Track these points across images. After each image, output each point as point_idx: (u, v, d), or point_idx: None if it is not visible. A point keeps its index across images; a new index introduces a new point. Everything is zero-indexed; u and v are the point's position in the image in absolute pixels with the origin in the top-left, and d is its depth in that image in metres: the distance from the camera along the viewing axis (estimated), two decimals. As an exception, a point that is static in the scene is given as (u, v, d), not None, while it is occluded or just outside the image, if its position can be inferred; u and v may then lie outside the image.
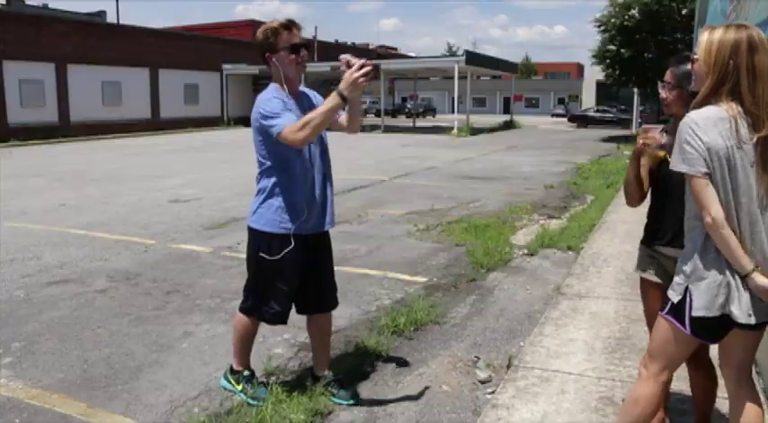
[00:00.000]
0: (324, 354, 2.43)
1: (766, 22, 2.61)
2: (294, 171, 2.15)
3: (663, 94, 1.80)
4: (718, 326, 1.48)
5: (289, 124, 2.02)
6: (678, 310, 1.52)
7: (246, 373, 2.39)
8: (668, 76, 1.78)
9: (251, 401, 2.31)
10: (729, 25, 1.47)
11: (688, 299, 1.48)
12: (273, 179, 2.17)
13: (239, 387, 2.38)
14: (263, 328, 3.15)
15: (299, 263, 2.20)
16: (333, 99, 1.98)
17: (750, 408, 1.55)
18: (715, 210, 1.40)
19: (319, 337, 2.41)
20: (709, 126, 1.40)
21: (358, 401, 2.35)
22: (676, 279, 1.54)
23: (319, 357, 2.42)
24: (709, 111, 1.43)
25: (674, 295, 1.53)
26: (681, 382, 2.34)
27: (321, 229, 2.26)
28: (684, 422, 2.08)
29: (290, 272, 2.19)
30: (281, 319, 2.28)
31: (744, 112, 1.41)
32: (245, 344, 2.38)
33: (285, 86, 2.19)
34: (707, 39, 1.45)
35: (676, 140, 1.46)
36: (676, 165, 1.46)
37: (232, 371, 2.42)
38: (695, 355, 1.70)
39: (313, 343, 2.45)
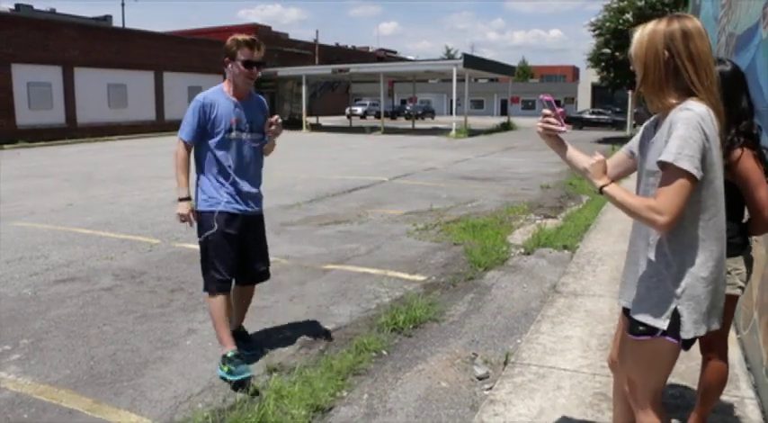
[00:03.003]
0: (241, 315, 2.89)
1: (757, 26, 2.67)
2: (218, 160, 2.56)
3: None
4: None
5: (185, 140, 2.56)
6: (669, 331, 1.38)
7: (230, 354, 2.56)
8: None
9: (231, 377, 2.48)
10: (662, 18, 1.38)
11: (678, 320, 1.36)
12: (203, 166, 2.61)
13: (225, 369, 2.53)
14: (266, 326, 3.23)
15: (227, 237, 2.58)
16: (181, 193, 2.58)
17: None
18: (678, 220, 1.29)
19: (243, 303, 2.86)
20: (710, 122, 1.30)
21: (261, 351, 2.79)
22: (654, 300, 1.38)
23: (241, 314, 2.88)
24: (705, 106, 1.31)
25: (658, 321, 1.37)
26: (675, 377, 2.39)
27: (248, 213, 2.64)
28: (679, 417, 2.11)
29: (219, 244, 2.57)
30: (225, 287, 2.63)
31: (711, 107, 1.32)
32: (221, 323, 2.62)
33: (231, 89, 2.59)
34: (639, 33, 1.38)
35: (678, 131, 1.29)
36: (672, 159, 1.27)
37: (222, 358, 2.59)
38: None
39: (236, 305, 2.83)
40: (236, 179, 2.58)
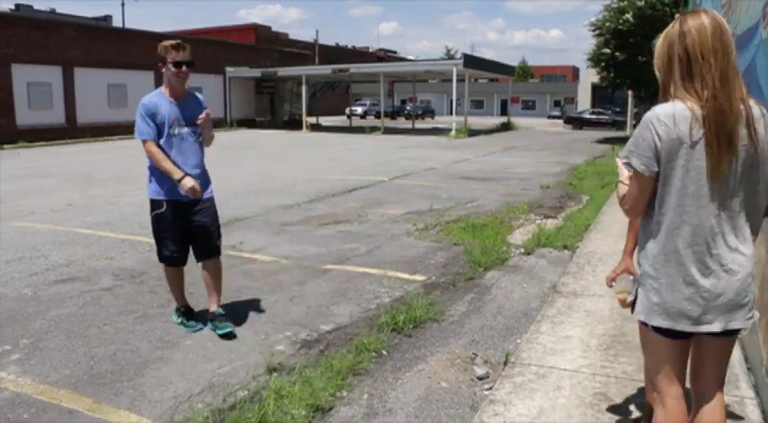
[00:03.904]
0: (213, 294, 3.11)
1: (757, 26, 2.67)
2: (164, 154, 2.91)
3: None
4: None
5: (146, 137, 2.92)
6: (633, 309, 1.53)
7: (182, 308, 3.18)
8: None
9: (185, 328, 3.09)
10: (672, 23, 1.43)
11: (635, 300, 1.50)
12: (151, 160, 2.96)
13: (179, 320, 3.16)
14: (265, 325, 3.23)
15: (174, 220, 2.99)
16: (178, 175, 2.88)
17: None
18: (640, 208, 1.43)
19: (209, 280, 3.11)
20: (672, 123, 1.34)
21: (233, 333, 2.99)
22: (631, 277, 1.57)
23: (211, 297, 3.12)
24: (674, 106, 1.36)
25: (630, 296, 1.55)
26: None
27: (192, 199, 2.96)
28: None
29: (167, 225, 2.99)
30: (174, 261, 3.08)
31: (697, 106, 1.34)
32: (174, 285, 3.18)
33: (168, 90, 2.97)
34: (657, 43, 1.45)
35: (635, 130, 1.42)
36: (625, 155, 1.42)
37: (176, 308, 3.22)
38: None
39: (205, 285, 3.15)
40: (181, 168, 2.94)
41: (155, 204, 3.01)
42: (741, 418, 2.12)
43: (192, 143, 3.00)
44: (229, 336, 2.96)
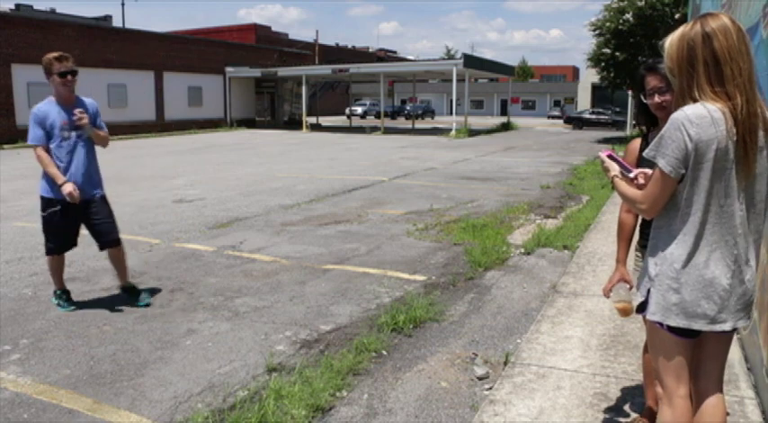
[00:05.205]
0: (121, 272, 3.59)
1: (757, 25, 2.67)
2: (56, 156, 3.24)
3: (657, 99, 1.71)
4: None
5: (36, 142, 3.23)
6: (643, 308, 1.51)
7: (59, 292, 3.48)
8: (657, 80, 1.71)
9: (61, 309, 3.40)
10: (687, 23, 1.39)
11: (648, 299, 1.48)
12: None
13: (56, 301, 3.47)
14: (265, 325, 3.23)
15: (65, 218, 3.30)
16: (60, 180, 3.21)
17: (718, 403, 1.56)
18: (659, 208, 1.40)
19: (115, 263, 3.57)
20: (704, 125, 1.31)
21: (149, 304, 3.48)
22: (642, 278, 1.51)
23: (119, 274, 3.59)
24: (705, 108, 1.32)
25: (640, 297, 1.50)
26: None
27: (85, 197, 3.33)
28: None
29: (55, 222, 3.31)
30: (52, 252, 3.41)
31: (726, 107, 1.32)
32: (55, 272, 3.47)
33: (57, 98, 3.27)
34: (668, 43, 1.39)
35: (662, 131, 1.37)
36: (652, 155, 1.38)
37: (55, 291, 3.50)
38: None
39: (113, 266, 3.60)
40: (71, 170, 3.26)
41: (49, 203, 3.29)
42: (741, 418, 2.11)
43: (82, 145, 3.32)
44: (147, 305, 3.46)
